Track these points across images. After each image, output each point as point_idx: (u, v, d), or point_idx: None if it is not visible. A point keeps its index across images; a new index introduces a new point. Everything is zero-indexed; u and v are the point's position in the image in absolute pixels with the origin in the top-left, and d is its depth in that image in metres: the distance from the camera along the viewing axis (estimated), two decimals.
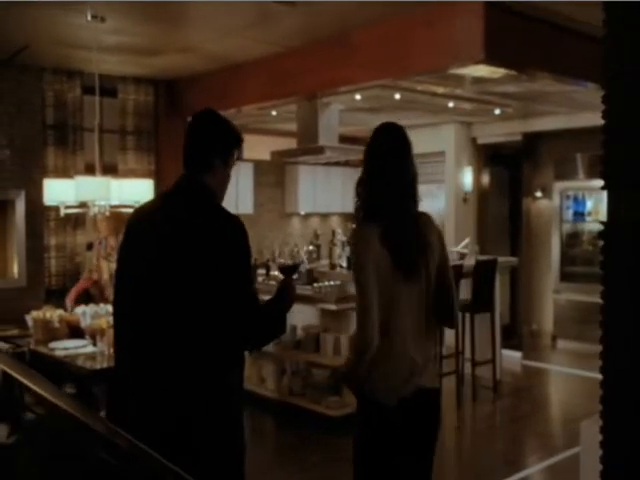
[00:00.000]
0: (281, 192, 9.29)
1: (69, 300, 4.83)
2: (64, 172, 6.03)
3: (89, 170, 5.80)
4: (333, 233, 5.73)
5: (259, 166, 8.80)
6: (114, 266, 4.89)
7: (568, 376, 6.92)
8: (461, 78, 5.41)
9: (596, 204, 8.25)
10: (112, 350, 3.88)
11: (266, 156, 7.88)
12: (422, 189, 8.13)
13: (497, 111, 7.28)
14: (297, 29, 4.89)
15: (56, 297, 5.41)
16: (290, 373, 5.53)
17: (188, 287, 2.00)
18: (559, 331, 8.35)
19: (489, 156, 8.71)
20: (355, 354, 2.38)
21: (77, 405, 1.60)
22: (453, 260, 6.05)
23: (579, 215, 8.47)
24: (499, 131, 8.25)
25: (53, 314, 4.36)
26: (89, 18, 4.41)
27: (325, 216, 9.81)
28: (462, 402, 5.91)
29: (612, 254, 1.63)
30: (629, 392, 1.49)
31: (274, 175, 9.22)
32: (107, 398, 2.31)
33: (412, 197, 2.44)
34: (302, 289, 5.23)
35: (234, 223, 2.10)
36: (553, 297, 8.52)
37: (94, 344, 4.06)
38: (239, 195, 8.02)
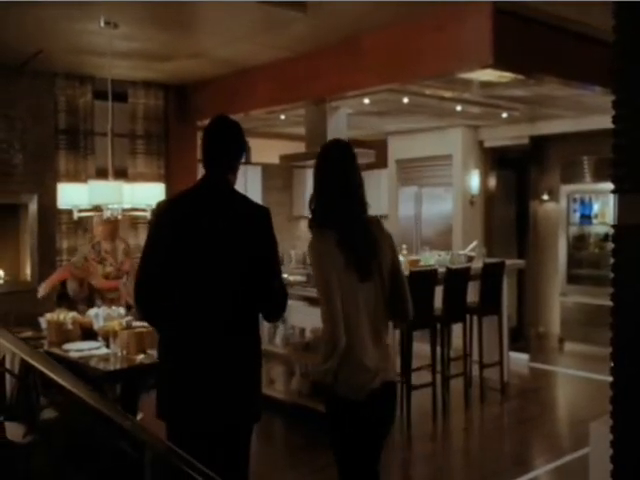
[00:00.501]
0: (289, 195, 9.35)
1: (44, 288, 4.74)
2: (75, 176, 6.11)
3: (100, 174, 5.88)
4: None
5: (267, 169, 8.87)
6: (110, 269, 4.91)
7: (575, 378, 6.93)
8: (469, 82, 5.45)
9: (603, 207, 8.27)
10: (125, 352, 3.95)
11: (274, 160, 7.94)
12: (429, 192, 8.18)
13: (504, 115, 7.31)
14: (306, 34, 4.95)
15: (68, 300, 5.46)
16: (299, 375, 5.57)
17: (246, 262, 2.47)
18: (566, 333, 8.36)
19: (496, 159, 8.74)
20: (326, 355, 2.51)
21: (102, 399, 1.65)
22: (461, 263, 6.09)
23: (586, 218, 8.49)
24: (506, 134, 8.28)
25: (66, 316, 4.40)
26: (102, 24, 4.48)
27: None
28: (470, 404, 5.94)
29: (622, 257, 1.67)
30: (639, 392, 1.53)
31: (282, 178, 9.29)
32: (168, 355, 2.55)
33: (361, 204, 2.64)
34: (311, 291, 5.28)
35: (268, 211, 2.58)
36: (560, 299, 8.54)
37: (107, 346, 4.11)
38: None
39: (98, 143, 6.21)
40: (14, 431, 3.61)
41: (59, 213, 5.91)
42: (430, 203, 8.79)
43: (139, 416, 4.03)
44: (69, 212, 5.37)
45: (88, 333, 4.34)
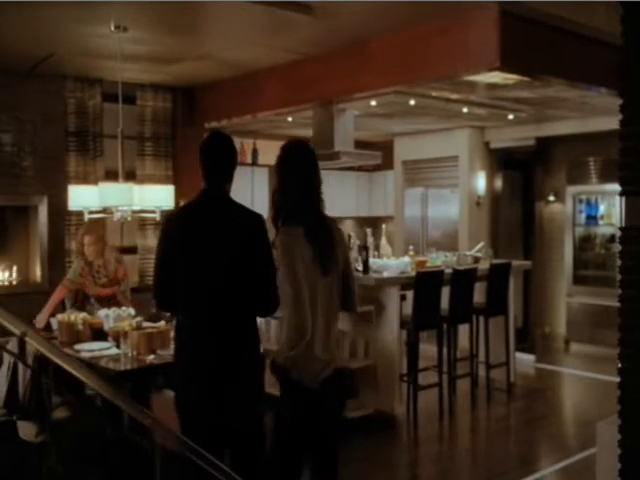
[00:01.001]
0: None
1: (43, 319, 4.65)
2: (85, 178, 6.17)
3: (109, 176, 5.93)
4: (349, 237, 5.80)
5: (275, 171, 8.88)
6: (104, 280, 4.93)
7: (581, 379, 6.95)
8: (475, 84, 5.48)
9: (609, 208, 8.28)
10: (136, 352, 4.00)
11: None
12: (435, 193, 8.21)
13: (510, 116, 7.33)
14: (314, 37, 4.98)
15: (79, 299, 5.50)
16: None
17: (247, 262, 2.73)
18: (572, 334, 8.37)
19: (502, 160, 8.76)
20: (291, 343, 2.71)
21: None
22: (467, 264, 6.12)
23: (592, 219, 8.49)
24: (512, 136, 8.30)
25: (77, 317, 4.45)
26: (112, 28, 4.53)
27: (339, 220, 9.86)
28: (476, 404, 5.96)
29: (629, 258, 1.70)
30: None
31: None
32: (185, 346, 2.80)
33: (321, 202, 2.87)
34: None
35: (262, 218, 2.83)
36: (566, 300, 8.55)
37: (117, 346, 4.15)
38: (254, 200, 8.10)
39: (107, 145, 6.26)
40: (27, 430, 3.66)
41: (68, 215, 5.96)
42: (436, 204, 8.81)
43: None
44: (78, 214, 5.43)
45: (98, 334, 4.38)
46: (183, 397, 2.76)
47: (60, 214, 5.99)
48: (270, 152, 8.64)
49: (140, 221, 6.51)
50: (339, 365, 2.82)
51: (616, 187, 1.78)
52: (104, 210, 4.63)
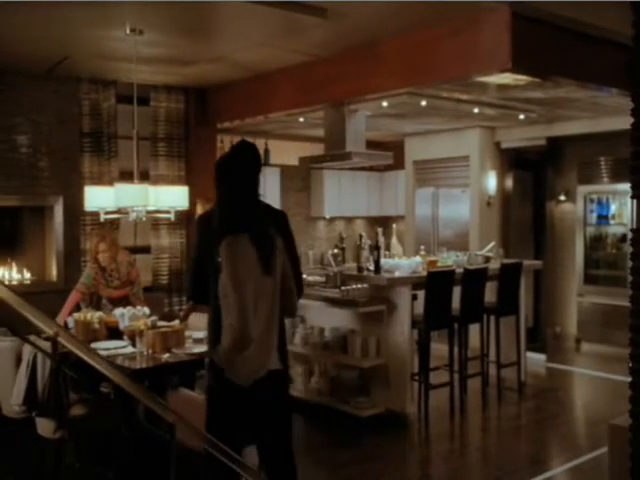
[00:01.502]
0: (307, 196, 9.44)
1: (64, 317, 4.76)
2: (99, 178, 6.24)
3: (123, 176, 6.00)
4: (360, 237, 5.83)
5: (286, 171, 8.95)
6: (116, 283, 5.02)
7: (592, 378, 6.95)
8: (486, 85, 5.50)
9: (620, 207, 8.28)
10: (151, 351, 4.06)
11: (292, 161, 8.02)
12: (446, 193, 8.24)
13: (521, 116, 7.34)
14: (326, 39, 5.02)
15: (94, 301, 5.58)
16: (318, 374, 5.65)
17: (283, 259, 2.94)
18: (583, 334, 8.38)
19: (513, 160, 8.76)
20: (232, 343, 2.77)
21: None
22: (478, 264, 6.15)
23: (603, 218, 8.49)
24: (523, 136, 8.30)
25: (93, 316, 4.52)
26: (128, 32, 4.59)
27: (350, 220, 9.94)
28: (487, 403, 5.98)
29: None
30: None
31: (300, 180, 9.37)
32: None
33: (260, 204, 3.00)
34: (330, 292, 5.36)
35: (286, 214, 3.22)
36: (577, 300, 8.55)
37: (133, 345, 4.21)
38: (266, 199, 8.13)
39: (121, 146, 6.34)
40: (45, 427, 3.73)
41: (83, 215, 6.04)
42: (447, 204, 8.83)
43: None
44: (93, 214, 5.51)
45: (114, 332, 4.45)
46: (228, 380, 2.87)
47: (75, 214, 6.08)
48: (282, 152, 8.72)
49: (153, 221, 6.57)
50: (273, 367, 2.90)
51: (627, 187, 1.81)
52: (119, 210, 4.70)
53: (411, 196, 9.21)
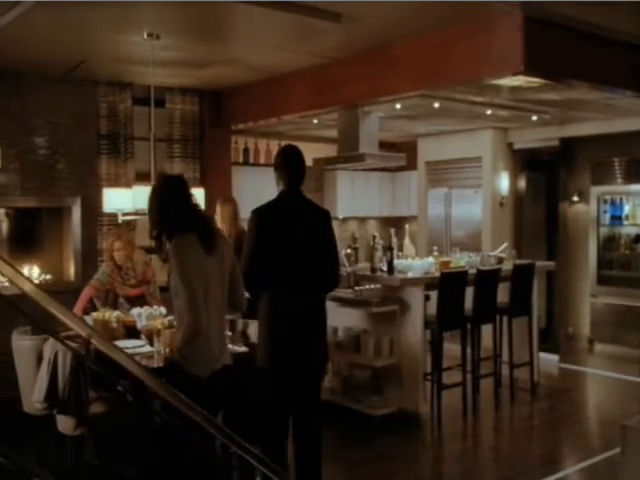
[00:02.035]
0: (320, 197, 9.48)
1: (77, 311, 4.81)
2: (116, 180, 6.33)
3: (139, 177, 6.09)
4: (374, 238, 5.88)
5: None
6: (132, 282, 5.10)
7: (605, 379, 6.96)
8: (499, 87, 5.52)
9: (634, 208, 8.27)
10: (168, 350, 4.12)
11: (306, 162, 8.07)
12: (459, 193, 8.27)
13: (534, 118, 7.35)
14: (340, 42, 5.07)
15: (110, 299, 5.66)
16: (332, 373, 5.70)
17: (321, 243, 3.52)
18: (596, 334, 8.37)
19: (526, 161, 8.77)
20: (186, 339, 3.04)
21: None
22: (491, 264, 6.17)
23: (616, 219, 8.48)
24: (536, 136, 8.31)
25: (111, 315, 4.60)
26: (145, 36, 4.67)
27: (363, 220, 9.98)
28: (500, 404, 6.02)
29: None
30: None
31: (314, 180, 9.42)
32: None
33: (200, 212, 3.34)
34: (344, 292, 5.41)
35: (329, 212, 3.72)
36: (590, 300, 8.55)
37: (150, 344, 4.28)
38: None
39: (137, 148, 6.43)
40: (66, 424, 3.81)
41: (100, 215, 6.13)
42: (460, 205, 8.85)
43: None
44: (110, 214, 5.59)
45: (132, 332, 4.52)
46: (281, 348, 3.43)
47: (92, 215, 6.17)
48: None
49: None
50: (227, 362, 3.21)
51: None
52: (137, 212, 4.78)
53: (424, 197, 9.24)
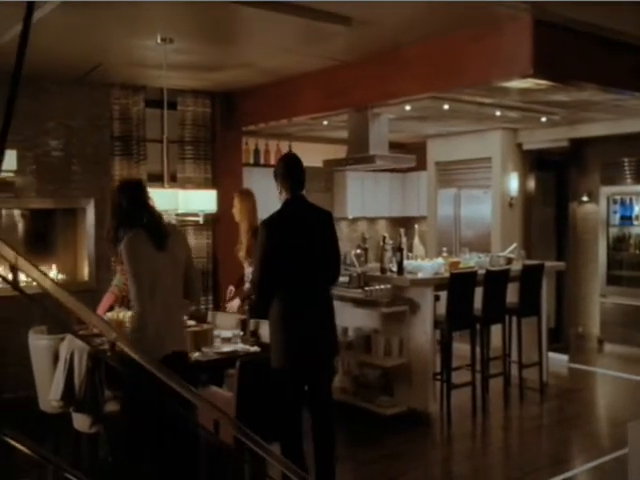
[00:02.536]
0: (330, 197, 9.54)
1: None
2: None
3: (151, 179, 6.17)
4: (383, 238, 5.93)
5: (309, 173, 8.87)
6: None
7: (614, 379, 6.97)
8: (508, 89, 5.56)
9: None
10: None
11: (316, 163, 8.11)
12: (468, 194, 8.34)
13: (543, 119, 7.38)
14: (349, 45, 5.12)
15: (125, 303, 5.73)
16: (342, 373, 5.76)
17: (327, 243, 3.78)
18: (605, 334, 8.38)
19: (535, 161, 8.78)
20: (136, 328, 3.39)
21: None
22: (500, 265, 6.20)
23: (626, 219, 8.48)
24: (545, 137, 8.32)
25: (125, 315, 4.67)
26: (159, 41, 4.75)
27: (372, 220, 10.03)
28: (509, 403, 6.05)
29: None
30: None
31: (323, 181, 9.49)
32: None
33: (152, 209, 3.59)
34: (354, 292, 5.47)
35: (331, 213, 3.97)
36: (600, 301, 8.56)
37: None
38: None
39: (150, 149, 6.51)
40: (82, 422, 3.89)
41: None
42: (469, 205, 8.88)
43: None
44: None
45: None
46: (294, 344, 3.63)
47: (106, 216, 6.24)
48: (306, 154, 8.77)
49: (180, 223, 6.72)
50: (178, 348, 3.47)
51: None
52: None
53: (433, 197, 9.27)
